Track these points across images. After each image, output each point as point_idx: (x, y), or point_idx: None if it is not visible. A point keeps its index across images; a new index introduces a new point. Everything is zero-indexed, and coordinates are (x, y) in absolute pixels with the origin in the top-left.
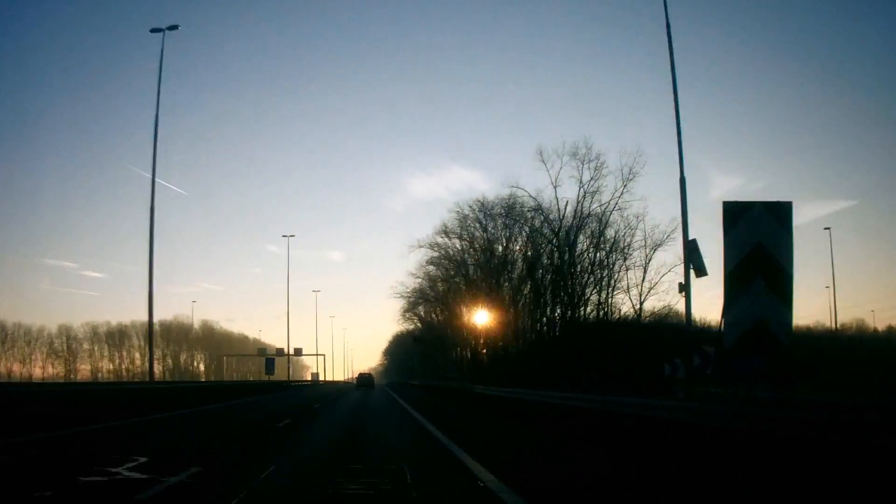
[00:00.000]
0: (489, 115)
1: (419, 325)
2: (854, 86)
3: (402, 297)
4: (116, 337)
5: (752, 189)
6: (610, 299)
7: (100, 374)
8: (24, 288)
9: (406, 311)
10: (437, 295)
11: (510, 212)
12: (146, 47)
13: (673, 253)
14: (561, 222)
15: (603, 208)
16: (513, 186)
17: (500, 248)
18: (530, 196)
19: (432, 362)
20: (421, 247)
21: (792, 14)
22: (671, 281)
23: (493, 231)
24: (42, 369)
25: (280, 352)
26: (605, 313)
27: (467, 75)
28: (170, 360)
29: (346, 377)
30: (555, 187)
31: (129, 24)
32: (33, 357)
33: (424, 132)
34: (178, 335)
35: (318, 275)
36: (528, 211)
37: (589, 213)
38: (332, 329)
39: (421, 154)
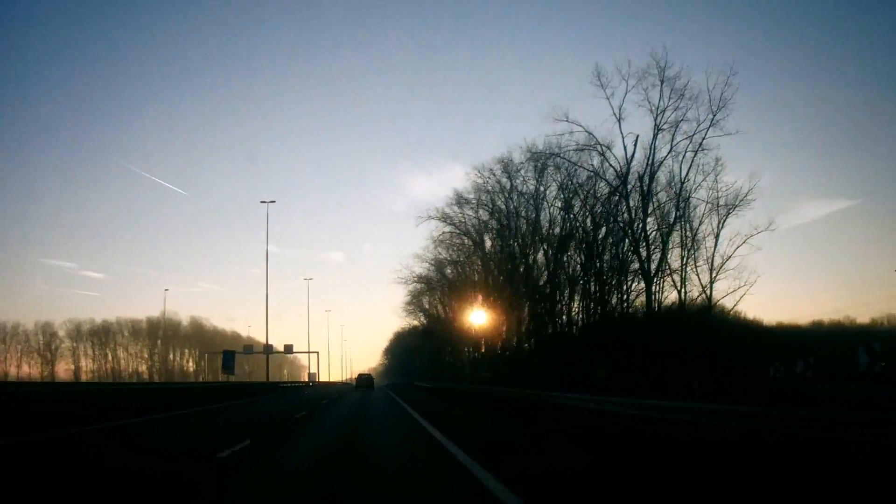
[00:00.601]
0: (491, 108)
1: (423, 320)
2: (857, 84)
3: (406, 282)
4: (101, 335)
5: (755, 188)
6: (684, 278)
7: (82, 375)
8: (20, 288)
9: (409, 303)
10: (448, 282)
11: (547, 163)
12: (144, 46)
13: (748, 222)
14: (629, 165)
15: (685, 148)
16: (558, 119)
17: (532, 213)
18: (584, 131)
19: (438, 361)
20: (431, 218)
21: (794, 12)
22: (742, 255)
23: (522, 193)
24: (17, 368)
25: (269, 348)
26: (681, 298)
27: (469, 65)
28: (156, 359)
29: (344, 377)
30: (619, 119)
31: (126, 23)
32: (8, 355)
33: (424, 131)
34: (165, 332)
35: (317, 275)
36: (577, 150)
37: (668, 153)
38: (328, 325)
39: (421, 153)
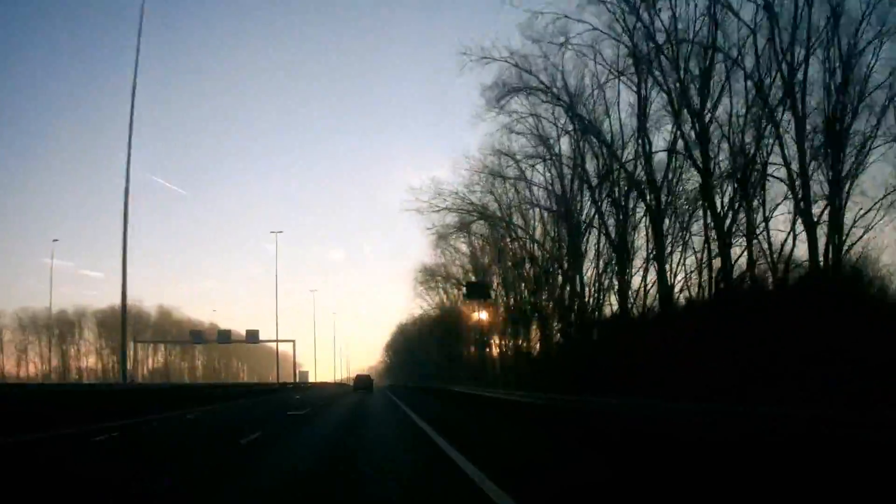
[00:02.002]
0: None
1: (445, 297)
2: None
3: (428, 211)
4: (59, 327)
5: None
6: None
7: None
8: (17, 288)
9: (424, 276)
10: (503, 209)
11: None
12: (144, 46)
13: None
14: None
15: None
16: None
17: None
18: None
19: (453, 358)
20: (486, 59)
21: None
22: None
23: None
24: None
25: (225, 335)
26: None
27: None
28: (129, 354)
29: (338, 378)
30: None
31: (125, 24)
32: None
33: (424, 128)
34: (134, 324)
35: (316, 274)
36: None
37: None
38: (314, 306)
39: (421, 152)
